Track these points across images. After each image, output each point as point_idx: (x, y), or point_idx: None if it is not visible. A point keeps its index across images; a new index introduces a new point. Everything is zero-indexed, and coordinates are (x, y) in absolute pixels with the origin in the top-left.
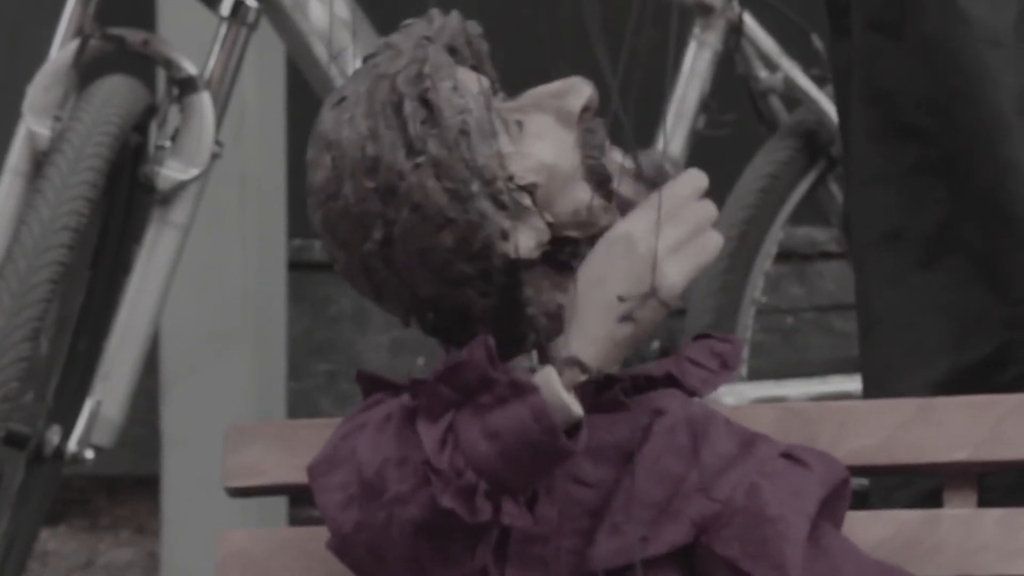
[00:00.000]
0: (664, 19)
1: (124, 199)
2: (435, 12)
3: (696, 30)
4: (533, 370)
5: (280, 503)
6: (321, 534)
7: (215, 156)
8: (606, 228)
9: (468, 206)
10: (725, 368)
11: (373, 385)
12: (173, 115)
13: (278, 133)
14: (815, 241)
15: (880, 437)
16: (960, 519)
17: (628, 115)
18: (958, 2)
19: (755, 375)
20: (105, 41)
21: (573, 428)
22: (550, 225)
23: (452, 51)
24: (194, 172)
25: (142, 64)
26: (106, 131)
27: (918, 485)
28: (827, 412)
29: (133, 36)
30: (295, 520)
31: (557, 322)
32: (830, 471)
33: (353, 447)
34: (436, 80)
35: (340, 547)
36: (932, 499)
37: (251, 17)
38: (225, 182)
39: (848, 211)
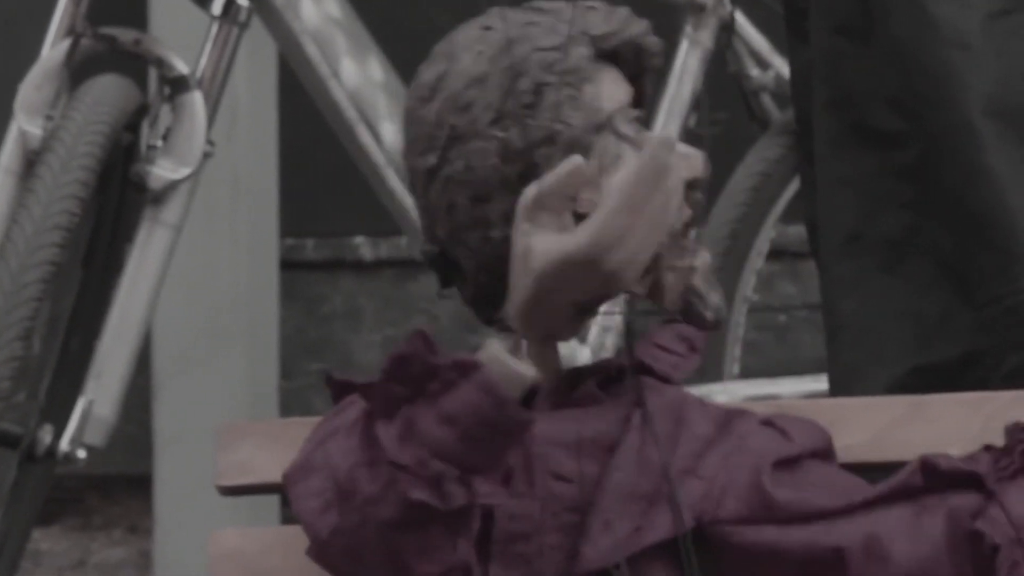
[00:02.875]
0: (656, 17)
1: (116, 198)
2: (620, 11)
3: (687, 28)
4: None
5: (272, 502)
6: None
7: (207, 155)
8: (634, 293)
9: (508, 198)
10: (692, 351)
11: (343, 389)
12: (165, 114)
13: (270, 132)
14: (807, 239)
15: (871, 434)
16: None
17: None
18: (924, 4)
19: (747, 373)
20: (97, 40)
21: (532, 395)
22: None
23: (612, 56)
24: (186, 171)
25: (134, 63)
26: (98, 130)
27: None
28: (819, 410)
29: (125, 35)
30: (287, 519)
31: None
32: (811, 436)
33: (327, 453)
34: (562, 81)
35: (319, 553)
36: None
37: (243, 16)
38: (217, 181)
39: (812, 216)
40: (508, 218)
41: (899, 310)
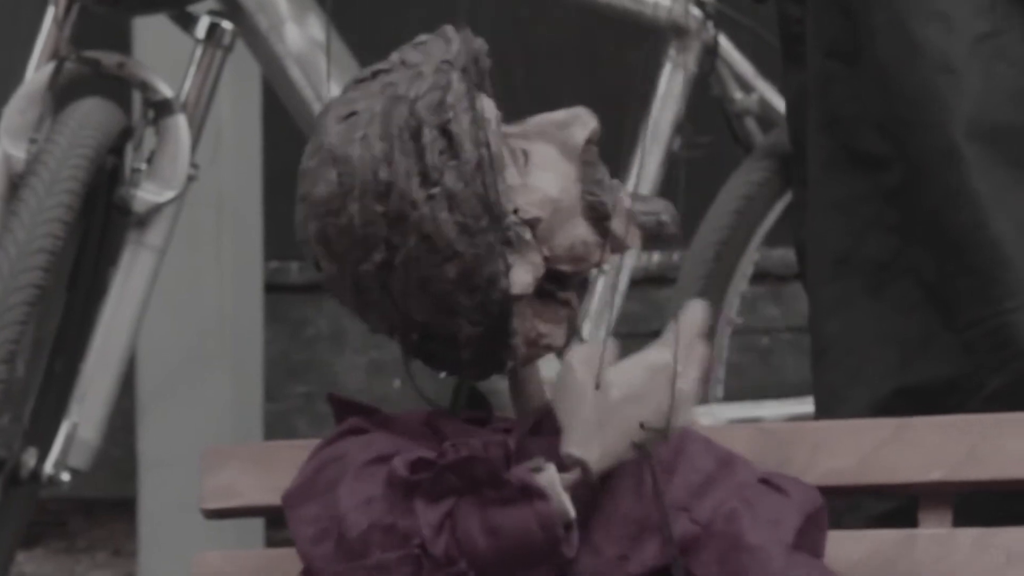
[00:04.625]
0: (640, 41)
1: (100, 221)
2: (450, 30)
3: (671, 51)
4: (537, 468)
5: (257, 525)
6: (298, 556)
7: (191, 178)
8: (596, 264)
9: (477, 240)
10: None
11: (346, 409)
12: (149, 137)
13: (254, 155)
14: (790, 262)
15: (855, 457)
16: (936, 539)
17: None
18: (909, 27)
19: (731, 396)
20: (81, 64)
21: (566, 526)
22: (545, 259)
23: (463, 72)
24: (170, 194)
25: (118, 87)
26: (82, 154)
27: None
28: (802, 433)
29: (109, 59)
30: (272, 542)
31: (535, 349)
32: (807, 498)
33: (332, 482)
34: (458, 111)
35: None
36: (902, 515)
37: (227, 40)
38: (201, 204)
39: (800, 238)
40: (501, 249)
41: (883, 332)
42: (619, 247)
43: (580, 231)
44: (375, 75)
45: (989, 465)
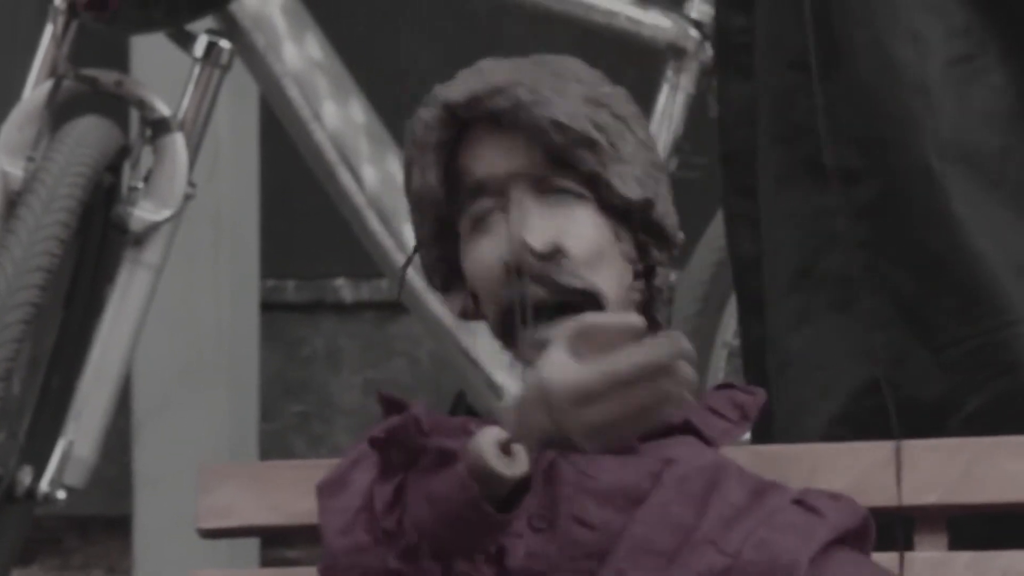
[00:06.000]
0: (637, 61)
1: (97, 240)
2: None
3: (668, 72)
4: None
5: (252, 544)
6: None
7: (188, 197)
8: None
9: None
10: (745, 419)
11: (392, 408)
12: (146, 156)
13: (251, 174)
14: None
15: (850, 479)
16: (930, 562)
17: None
18: (887, 48)
19: None
20: (78, 82)
21: (523, 485)
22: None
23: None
24: (167, 213)
25: (115, 105)
26: (79, 172)
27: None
28: (798, 455)
29: (106, 77)
30: (267, 561)
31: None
32: (844, 515)
33: (355, 477)
34: (417, 148)
35: (328, 570)
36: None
37: (224, 58)
38: (198, 223)
39: (739, 250)
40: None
41: (850, 349)
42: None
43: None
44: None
45: (985, 488)
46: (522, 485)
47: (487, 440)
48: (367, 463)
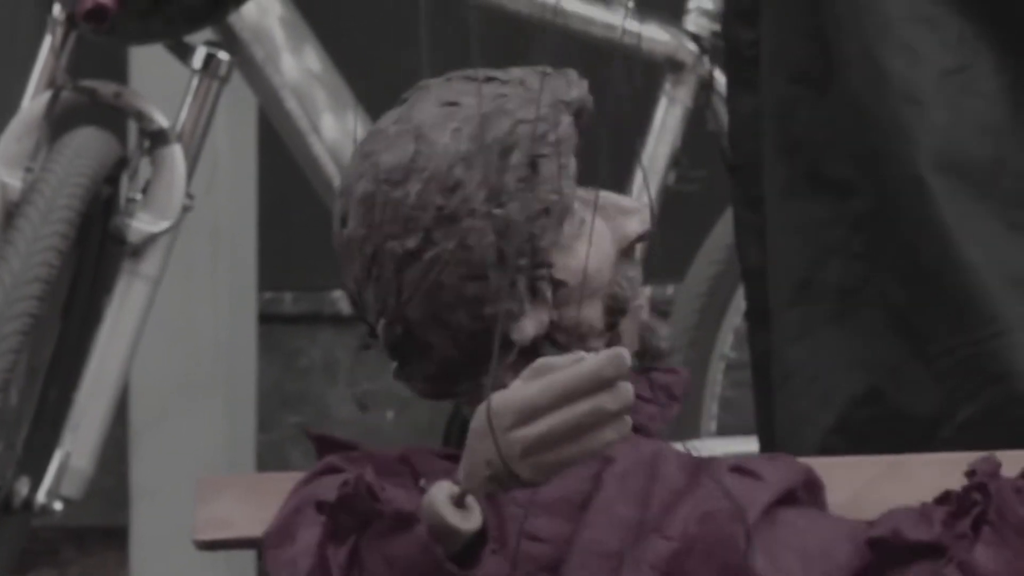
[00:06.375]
0: (635, 74)
1: (95, 251)
2: (574, 74)
3: (667, 86)
4: (423, 489)
5: (249, 556)
6: None
7: (186, 209)
8: (592, 350)
9: (507, 274)
10: (673, 400)
11: (325, 445)
12: (144, 167)
13: (249, 186)
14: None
15: (849, 493)
16: None
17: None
18: (878, 58)
19: (725, 431)
20: (77, 93)
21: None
22: (551, 323)
23: (575, 119)
24: (165, 224)
25: (114, 116)
26: (77, 183)
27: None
28: None
29: (105, 88)
30: (263, 573)
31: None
32: (783, 472)
33: (299, 526)
34: (553, 152)
35: None
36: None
37: (223, 70)
38: (196, 234)
39: (750, 261)
40: (500, 294)
41: (848, 360)
42: (616, 344)
43: (592, 314)
44: (489, 80)
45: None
46: (476, 536)
47: (440, 496)
48: (308, 513)
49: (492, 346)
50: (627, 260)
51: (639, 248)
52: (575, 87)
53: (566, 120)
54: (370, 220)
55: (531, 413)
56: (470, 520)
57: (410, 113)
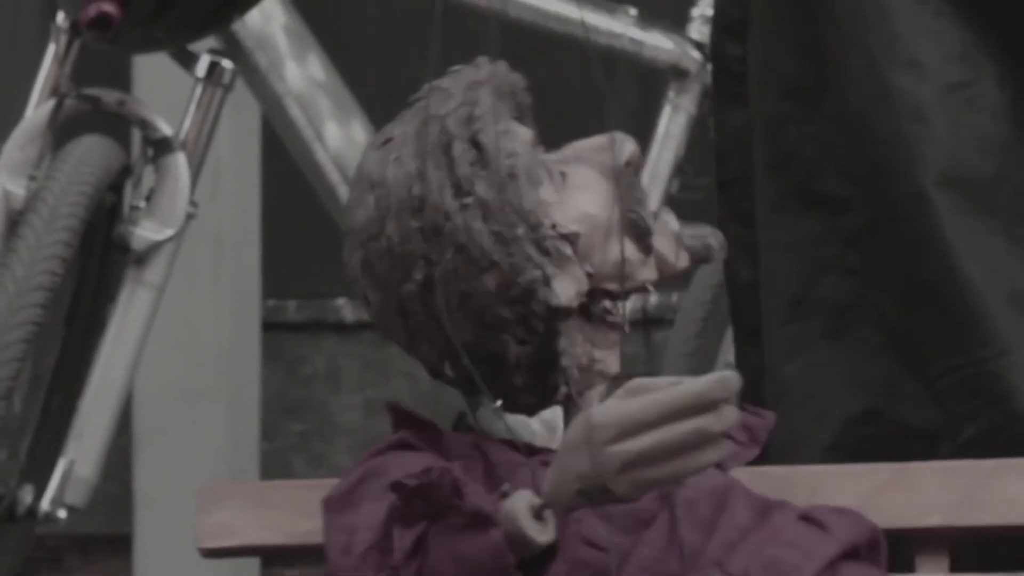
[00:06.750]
0: (639, 82)
1: (99, 259)
2: (483, 59)
3: (670, 94)
4: (505, 494)
5: (253, 564)
6: None
7: (190, 216)
8: (644, 283)
9: (513, 249)
10: (754, 442)
11: (402, 420)
12: (148, 175)
13: (253, 194)
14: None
15: (853, 502)
16: None
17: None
18: (883, 74)
19: None
20: (81, 101)
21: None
22: (589, 276)
23: (494, 90)
24: (169, 232)
25: (117, 124)
26: (81, 191)
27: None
28: (800, 477)
29: (109, 96)
30: None
31: (588, 375)
32: (851, 529)
33: (367, 496)
34: (487, 123)
35: None
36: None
37: (227, 78)
38: (200, 242)
39: (737, 275)
40: (538, 258)
41: (843, 378)
42: (669, 269)
43: (621, 249)
44: (410, 104)
45: (987, 510)
46: (546, 549)
47: (521, 506)
48: (375, 485)
49: (552, 324)
50: (629, 187)
51: (632, 171)
52: (482, 67)
53: (482, 93)
54: (378, 281)
55: (634, 428)
56: (546, 532)
57: (361, 172)
